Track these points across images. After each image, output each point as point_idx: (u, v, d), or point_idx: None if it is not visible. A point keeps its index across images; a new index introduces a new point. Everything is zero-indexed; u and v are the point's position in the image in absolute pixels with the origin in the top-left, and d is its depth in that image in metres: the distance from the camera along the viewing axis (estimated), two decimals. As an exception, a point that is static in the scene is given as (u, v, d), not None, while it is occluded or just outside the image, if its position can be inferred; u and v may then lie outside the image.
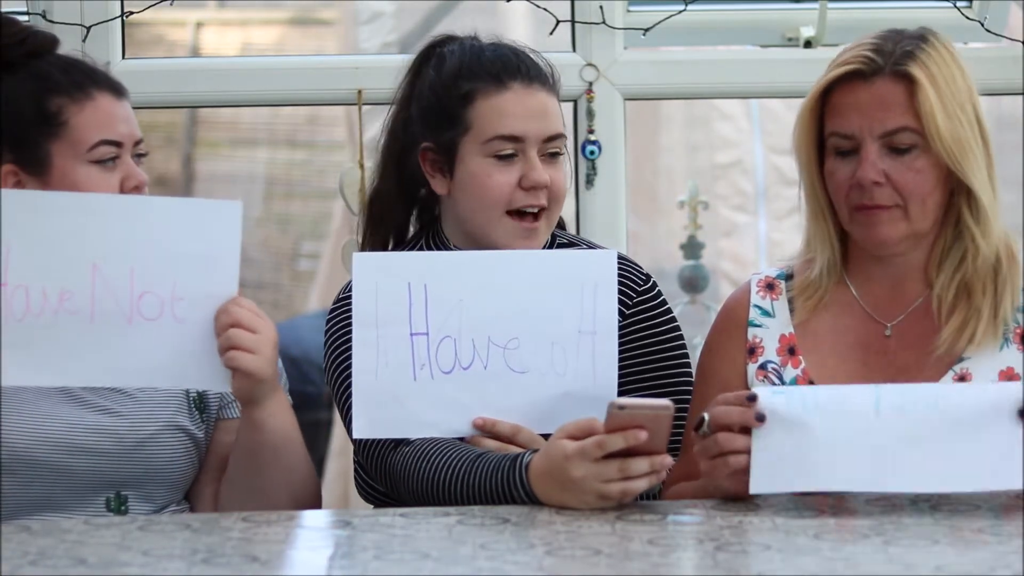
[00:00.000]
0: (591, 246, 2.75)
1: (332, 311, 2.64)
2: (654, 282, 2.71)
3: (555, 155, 2.63)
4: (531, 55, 2.66)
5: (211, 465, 2.58)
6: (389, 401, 2.43)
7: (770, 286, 2.57)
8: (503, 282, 2.46)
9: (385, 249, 2.72)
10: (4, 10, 2.87)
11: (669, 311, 2.71)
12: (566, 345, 2.45)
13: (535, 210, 2.61)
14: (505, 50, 2.65)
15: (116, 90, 2.51)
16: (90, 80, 2.49)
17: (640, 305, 2.67)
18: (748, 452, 2.27)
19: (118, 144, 2.48)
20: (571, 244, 2.73)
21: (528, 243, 2.61)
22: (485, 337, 2.45)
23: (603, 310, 2.46)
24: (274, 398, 2.43)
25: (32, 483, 2.43)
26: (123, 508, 2.47)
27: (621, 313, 2.63)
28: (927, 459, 2.24)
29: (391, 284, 2.42)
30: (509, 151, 2.60)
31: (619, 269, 2.61)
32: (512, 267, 2.47)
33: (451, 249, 2.65)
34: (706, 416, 2.31)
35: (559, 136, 2.63)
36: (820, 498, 2.33)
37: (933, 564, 1.98)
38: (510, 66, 2.62)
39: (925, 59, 2.47)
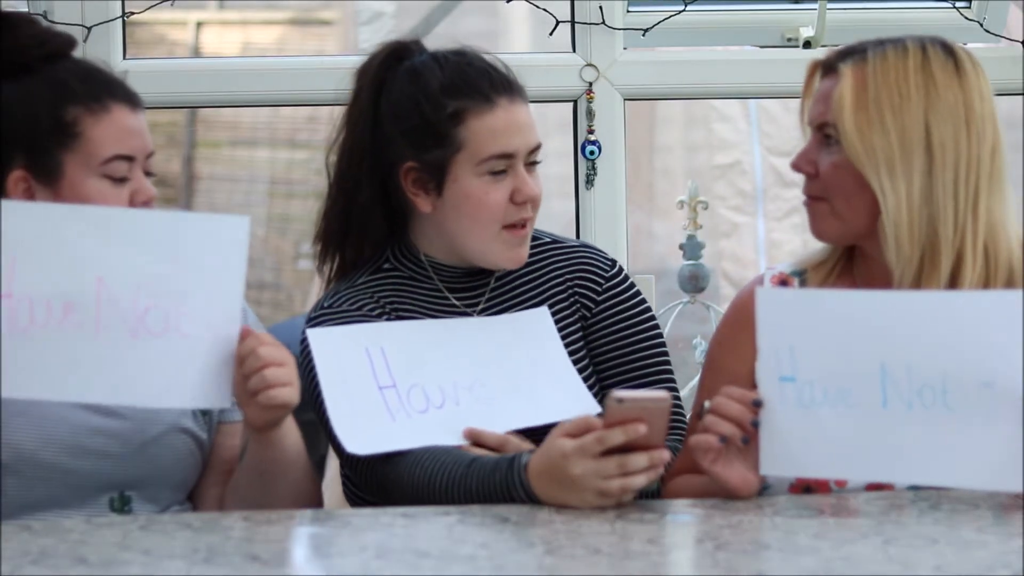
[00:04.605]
0: (563, 242, 2.76)
1: (310, 321, 2.62)
2: (620, 267, 2.73)
3: (534, 164, 2.65)
4: (497, 63, 2.66)
5: (213, 468, 2.57)
6: (376, 432, 2.47)
7: (783, 283, 2.56)
8: (456, 340, 2.58)
9: (355, 262, 2.70)
10: (5, 10, 2.86)
11: (639, 293, 2.72)
12: (523, 372, 2.59)
13: (523, 222, 2.63)
14: (481, 62, 2.64)
15: (132, 102, 2.47)
16: (107, 91, 2.45)
17: (609, 291, 2.70)
18: (726, 435, 2.29)
19: (131, 159, 2.44)
20: (553, 242, 2.74)
21: (519, 252, 2.64)
22: (451, 382, 2.54)
23: (547, 342, 2.63)
24: (289, 417, 2.43)
25: (36, 484, 2.42)
26: (126, 508, 2.46)
27: (593, 300, 2.68)
28: (931, 453, 2.24)
29: (349, 352, 2.50)
30: (501, 168, 2.61)
31: (583, 258, 2.73)
32: (460, 332, 2.60)
33: (422, 261, 2.67)
34: (707, 404, 2.33)
35: (539, 146, 2.65)
36: (820, 498, 2.34)
37: (933, 564, 1.98)
38: (494, 82, 2.62)
39: (872, 59, 2.44)
